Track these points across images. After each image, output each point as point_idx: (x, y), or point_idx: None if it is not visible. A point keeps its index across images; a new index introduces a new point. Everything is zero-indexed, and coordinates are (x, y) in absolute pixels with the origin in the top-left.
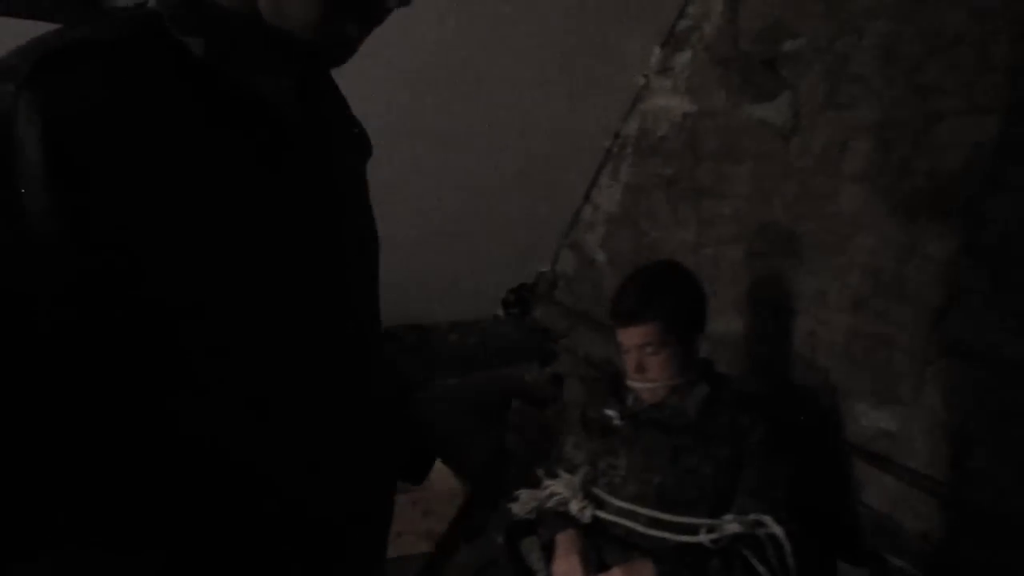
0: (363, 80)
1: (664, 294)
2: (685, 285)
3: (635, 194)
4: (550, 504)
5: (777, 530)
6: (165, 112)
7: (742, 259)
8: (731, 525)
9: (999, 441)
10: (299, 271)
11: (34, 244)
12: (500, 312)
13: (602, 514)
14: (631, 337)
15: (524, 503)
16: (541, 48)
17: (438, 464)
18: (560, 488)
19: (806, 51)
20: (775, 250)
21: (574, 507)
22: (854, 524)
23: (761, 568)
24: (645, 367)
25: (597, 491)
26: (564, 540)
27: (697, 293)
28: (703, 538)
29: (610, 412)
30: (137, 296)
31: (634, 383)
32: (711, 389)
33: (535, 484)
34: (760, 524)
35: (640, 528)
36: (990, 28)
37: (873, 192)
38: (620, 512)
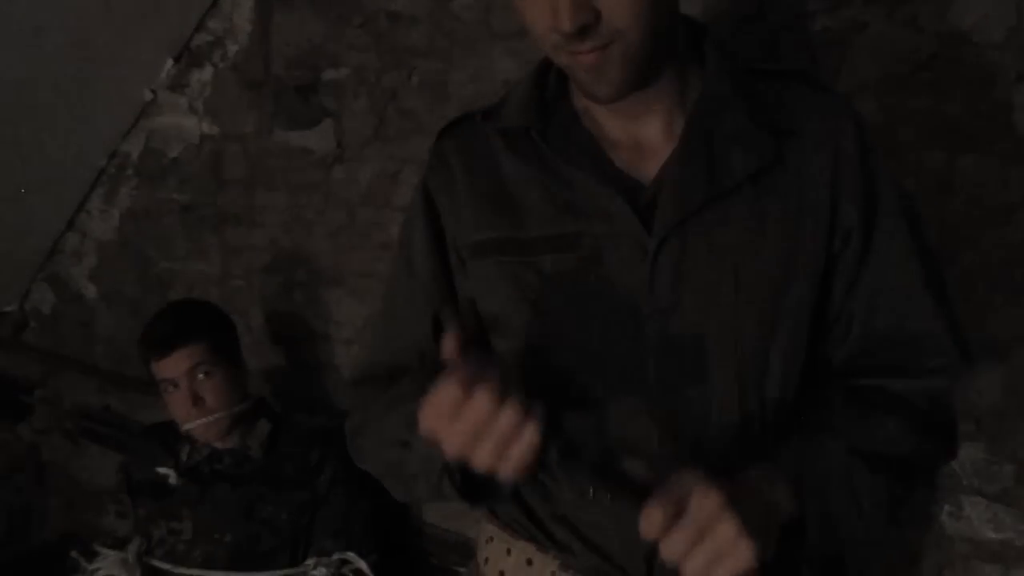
0: None
1: (201, 316)
2: (217, 310)
3: (139, 221)
4: None
5: (362, 564)
6: (486, 159)
7: (279, 290)
8: (317, 571)
9: None
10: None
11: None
12: None
13: None
14: (179, 364)
15: None
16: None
17: None
18: (111, 568)
19: (350, 82)
20: (318, 280)
21: None
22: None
23: None
24: (201, 396)
25: (157, 563)
26: None
27: (229, 318)
28: None
29: (163, 470)
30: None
31: (192, 423)
32: (273, 427)
33: (72, 571)
34: (345, 562)
35: None
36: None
37: None
38: None
